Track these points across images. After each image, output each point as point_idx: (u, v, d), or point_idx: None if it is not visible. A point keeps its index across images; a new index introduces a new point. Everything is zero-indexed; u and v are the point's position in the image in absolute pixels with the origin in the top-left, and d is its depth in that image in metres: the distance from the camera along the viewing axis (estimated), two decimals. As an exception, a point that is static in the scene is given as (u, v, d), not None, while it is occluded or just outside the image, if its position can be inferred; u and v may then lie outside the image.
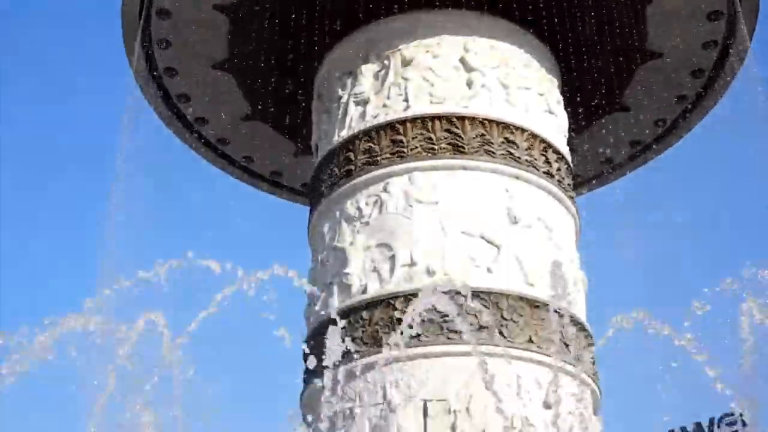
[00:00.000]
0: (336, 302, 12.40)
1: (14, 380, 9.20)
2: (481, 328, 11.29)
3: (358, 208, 12.88)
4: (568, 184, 13.78)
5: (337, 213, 13.19)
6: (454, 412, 10.95)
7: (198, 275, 10.12)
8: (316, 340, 11.96)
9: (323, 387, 10.00)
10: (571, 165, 14.17)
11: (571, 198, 13.75)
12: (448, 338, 11.44)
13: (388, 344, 10.61)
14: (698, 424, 45.50)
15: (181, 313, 10.61)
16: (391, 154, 12.88)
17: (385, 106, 13.27)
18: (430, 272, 11.87)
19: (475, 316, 11.29)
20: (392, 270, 12.15)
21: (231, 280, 10.04)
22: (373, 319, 11.85)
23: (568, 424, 11.24)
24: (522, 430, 10.77)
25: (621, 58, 14.98)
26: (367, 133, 13.17)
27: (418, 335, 11.36)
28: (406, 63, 13.37)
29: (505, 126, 13.06)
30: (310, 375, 11.77)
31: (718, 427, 43.64)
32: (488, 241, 12.21)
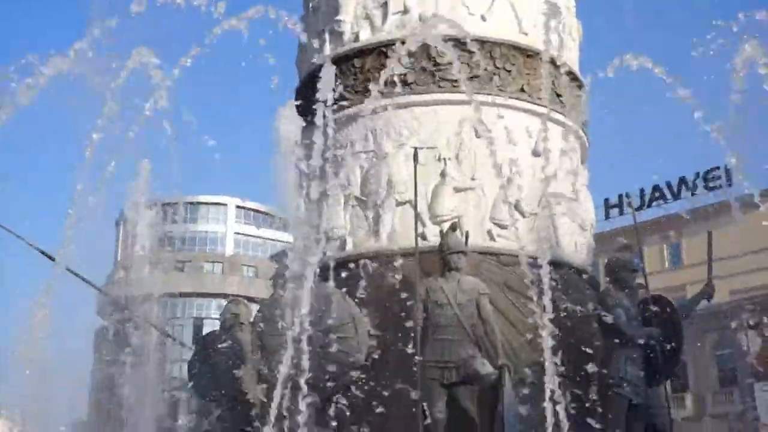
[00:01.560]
0: (328, 50, 12.26)
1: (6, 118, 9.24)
2: (473, 77, 11.22)
3: (350, -45, 12.46)
4: (567, -70, 13.25)
5: (328, -41, 12.77)
6: (444, 159, 11.07)
7: (185, 18, 9.95)
8: (307, 88, 11.91)
9: (315, 132, 10.07)
10: None
11: (570, -56, 13.27)
12: (440, 86, 11.39)
13: (379, 92, 10.57)
14: (683, 179, 46.73)
15: (172, 55, 10.52)
16: None
17: None
18: (422, 19, 11.64)
19: (468, 65, 11.19)
20: (385, 17, 11.94)
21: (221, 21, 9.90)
22: (365, 67, 11.73)
23: (555, 173, 11.45)
24: (510, 177, 10.93)
25: None
26: None
27: (410, 83, 11.34)
28: None
29: None
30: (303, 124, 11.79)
31: (704, 182, 44.80)
32: (482, -12, 11.91)
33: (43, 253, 11.14)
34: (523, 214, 11.02)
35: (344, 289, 10.09)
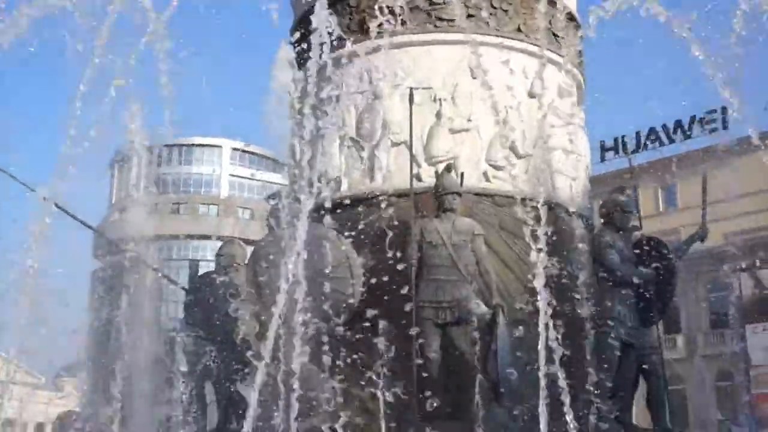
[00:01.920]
0: (322, -11, 12.10)
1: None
2: (470, 15, 11.10)
3: None
4: None
5: None
6: (440, 100, 10.97)
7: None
8: (302, 27, 11.75)
9: (309, 72, 9.97)
10: None
11: None
12: (436, 26, 11.26)
13: (374, 31, 10.44)
14: (678, 122, 46.65)
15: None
16: None
17: None
18: (418, -45, 11.49)
19: (465, 4, 11.07)
20: (380, -46, 11.77)
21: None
22: (360, 6, 11.56)
23: (551, 114, 11.39)
24: (506, 118, 10.88)
25: None
26: None
27: (405, 23, 11.21)
28: None
29: None
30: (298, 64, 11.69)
31: (700, 125, 44.70)
32: (477, -74, 11.70)
33: (30, 188, 11.07)
34: (518, 156, 10.98)
35: (339, 230, 10.09)
